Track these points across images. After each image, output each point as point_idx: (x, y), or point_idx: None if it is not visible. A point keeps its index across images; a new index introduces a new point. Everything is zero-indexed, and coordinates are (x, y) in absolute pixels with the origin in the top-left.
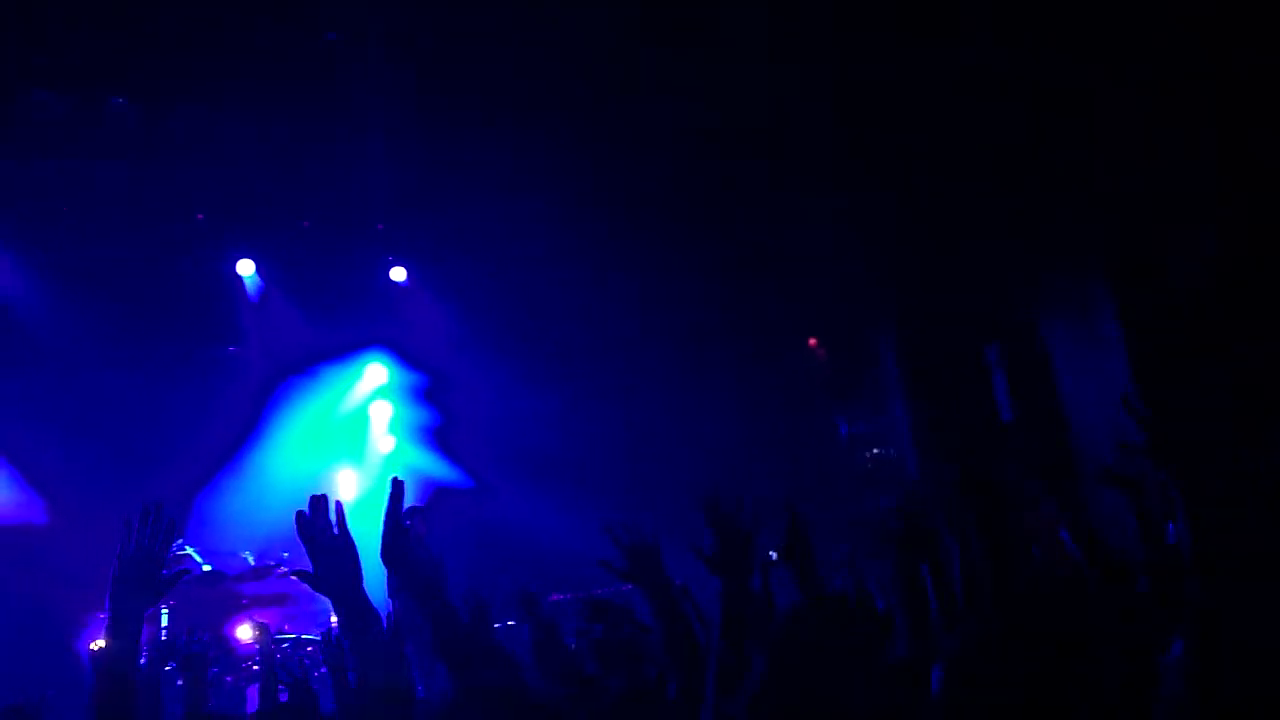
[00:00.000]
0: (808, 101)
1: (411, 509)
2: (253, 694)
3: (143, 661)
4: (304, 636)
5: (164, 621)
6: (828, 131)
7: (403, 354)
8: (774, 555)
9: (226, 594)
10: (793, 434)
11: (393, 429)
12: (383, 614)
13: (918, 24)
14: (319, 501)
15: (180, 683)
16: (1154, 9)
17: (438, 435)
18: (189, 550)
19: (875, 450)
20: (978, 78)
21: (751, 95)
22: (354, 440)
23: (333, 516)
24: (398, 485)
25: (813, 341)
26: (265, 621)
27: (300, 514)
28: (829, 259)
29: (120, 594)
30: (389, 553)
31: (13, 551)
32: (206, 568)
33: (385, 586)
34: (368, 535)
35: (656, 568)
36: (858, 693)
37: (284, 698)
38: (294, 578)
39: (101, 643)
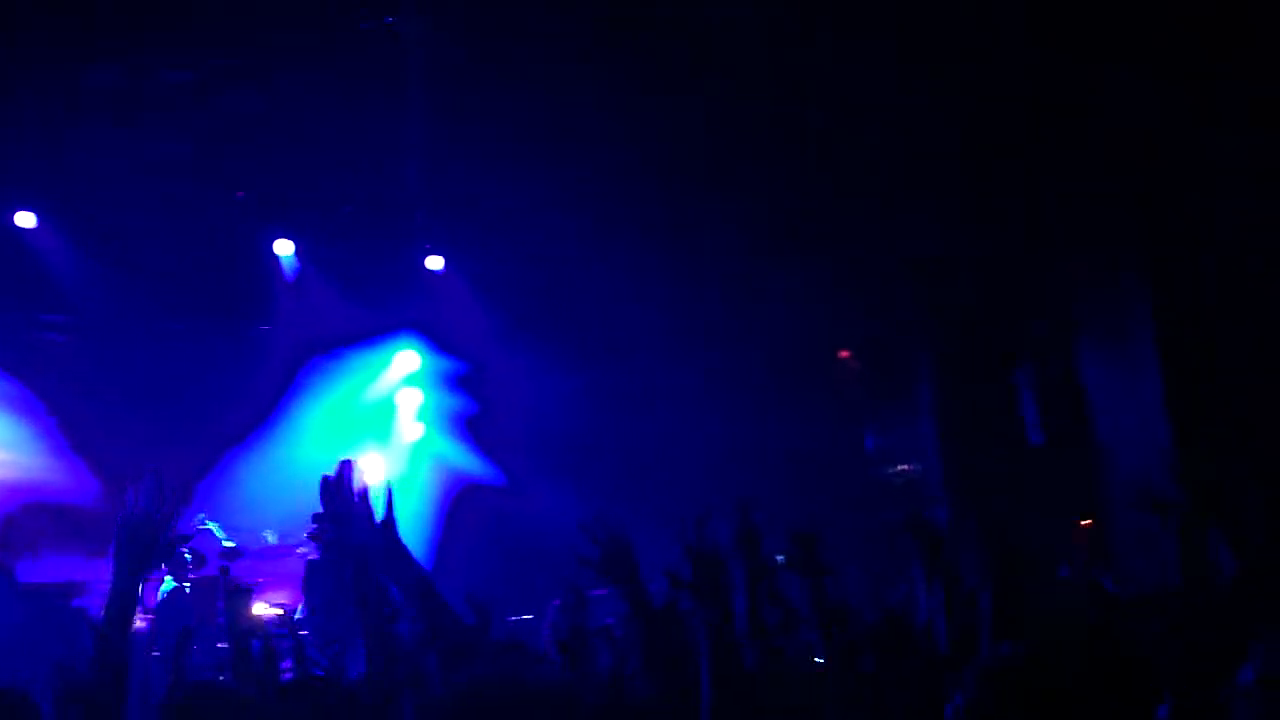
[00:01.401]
0: (849, 109)
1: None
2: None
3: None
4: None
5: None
6: (867, 142)
7: (436, 342)
8: (781, 559)
9: (245, 571)
10: (819, 444)
11: (421, 416)
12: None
13: (952, 34)
14: (345, 467)
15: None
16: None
17: (469, 425)
18: (210, 525)
19: (901, 466)
20: (1013, 87)
21: (790, 97)
22: (381, 425)
23: (356, 484)
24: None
25: (844, 353)
26: (283, 602)
27: (325, 478)
28: (866, 272)
29: (120, 559)
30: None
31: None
32: (228, 544)
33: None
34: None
35: (629, 565)
36: None
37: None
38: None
39: None
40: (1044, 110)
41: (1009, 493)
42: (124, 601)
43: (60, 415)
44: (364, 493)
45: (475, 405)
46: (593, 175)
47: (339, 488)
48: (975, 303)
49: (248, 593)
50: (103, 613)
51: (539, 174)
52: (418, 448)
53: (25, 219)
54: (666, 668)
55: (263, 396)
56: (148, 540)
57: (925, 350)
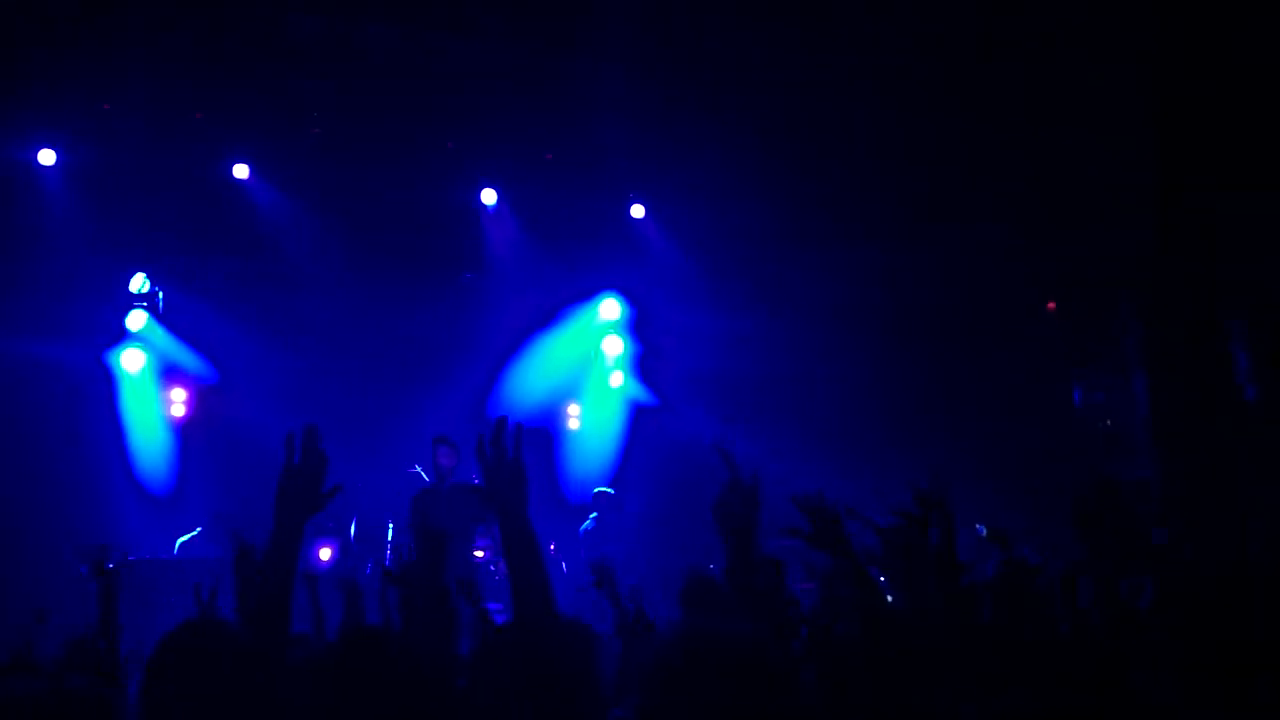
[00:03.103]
0: (1056, 53)
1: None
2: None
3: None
4: None
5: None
6: (1078, 87)
7: (634, 291)
8: (982, 530)
9: None
10: (1024, 399)
11: (619, 364)
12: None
13: None
14: (501, 422)
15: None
16: None
17: (654, 374)
18: (418, 469)
19: (1110, 420)
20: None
21: (994, 52)
22: (584, 373)
23: (511, 438)
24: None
25: (1051, 305)
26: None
27: (481, 435)
28: (1074, 222)
29: (282, 507)
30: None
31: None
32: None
33: None
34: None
35: (839, 535)
36: None
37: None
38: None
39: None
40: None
41: (1220, 449)
42: (283, 550)
43: (274, 363)
44: (519, 444)
45: (667, 356)
46: (787, 125)
47: (494, 441)
48: (1188, 253)
49: (444, 537)
50: (264, 559)
51: (732, 125)
52: (617, 395)
53: (240, 170)
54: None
55: (467, 343)
56: (303, 491)
57: (1135, 302)
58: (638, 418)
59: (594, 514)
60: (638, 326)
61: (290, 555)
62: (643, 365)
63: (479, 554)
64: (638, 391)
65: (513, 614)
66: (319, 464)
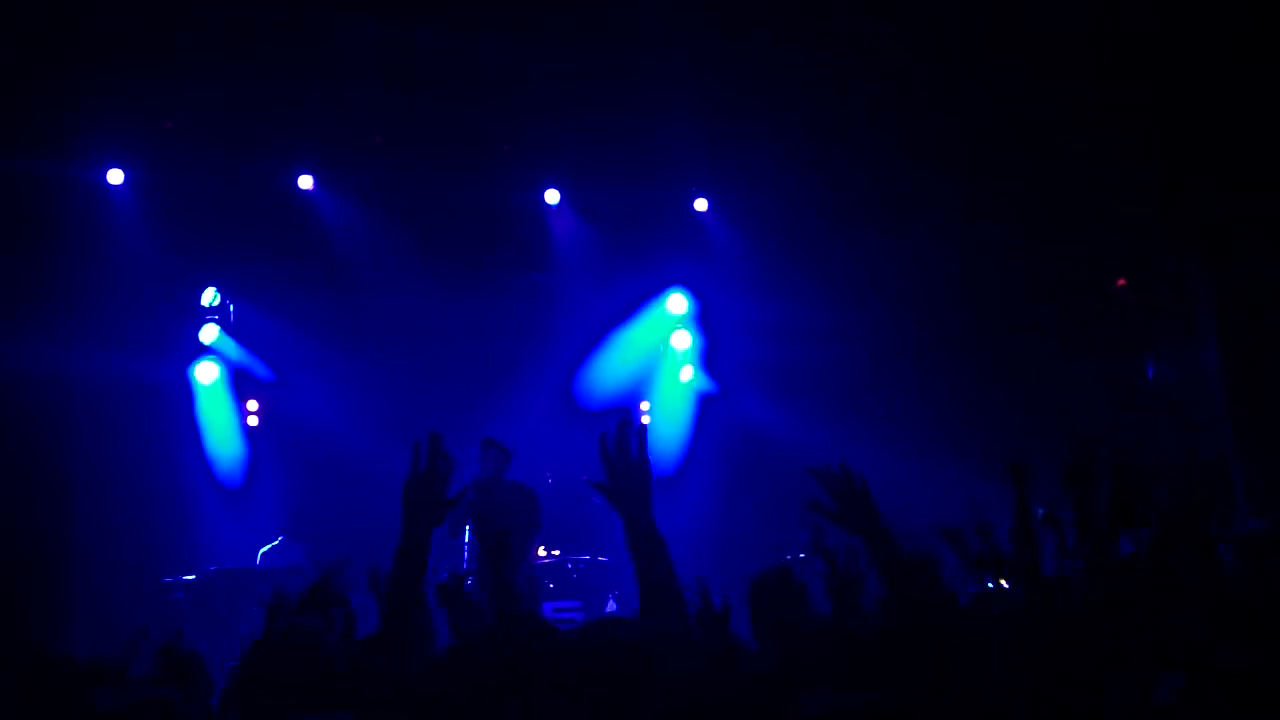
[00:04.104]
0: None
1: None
2: None
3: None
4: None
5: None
6: (1139, 53)
7: (700, 285)
8: (1041, 511)
9: None
10: (1097, 374)
11: (688, 359)
12: None
13: None
14: (625, 420)
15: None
16: None
17: (720, 366)
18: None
19: (1183, 395)
20: None
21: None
22: (655, 368)
23: (634, 438)
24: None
25: (1121, 281)
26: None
27: (604, 433)
28: (1143, 194)
29: (410, 515)
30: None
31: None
32: None
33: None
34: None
35: (867, 510)
36: None
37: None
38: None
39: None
40: None
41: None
42: (412, 558)
43: (344, 370)
44: (643, 443)
45: (734, 346)
46: (845, 114)
47: (618, 439)
48: (1262, 225)
49: (507, 536)
50: (392, 568)
51: (792, 115)
52: (687, 389)
53: (305, 181)
54: (916, 612)
55: (537, 344)
56: (431, 498)
57: (1208, 275)
58: (704, 409)
59: None
60: (704, 319)
61: (420, 564)
62: (709, 357)
63: (541, 553)
64: (705, 384)
65: (641, 613)
66: (446, 470)
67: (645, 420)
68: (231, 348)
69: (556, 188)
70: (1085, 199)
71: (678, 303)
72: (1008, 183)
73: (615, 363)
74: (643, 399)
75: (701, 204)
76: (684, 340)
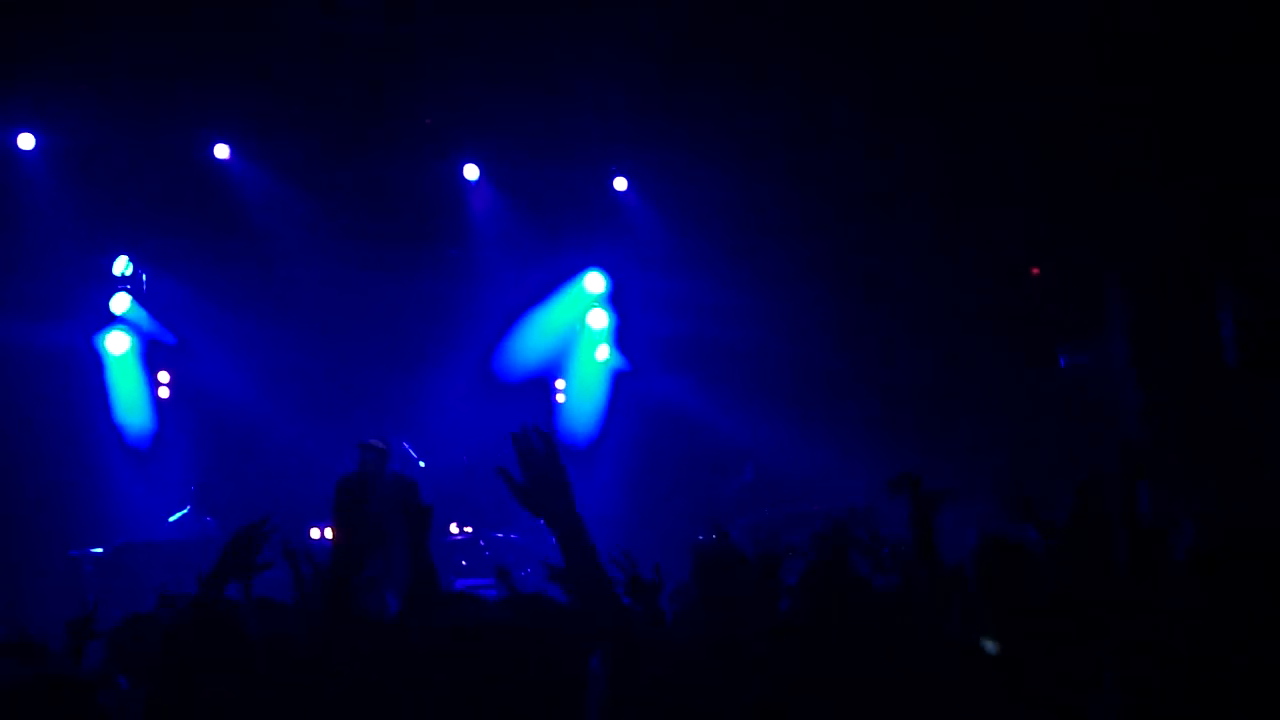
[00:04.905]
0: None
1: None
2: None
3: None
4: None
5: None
6: (1065, 57)
7: (618, 265)
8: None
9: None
10: (1009, 363)
11: (604, 337)
12: None
13: None
14: (527, 433)
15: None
16: None
17: (634, 344)
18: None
19: (1094, 384)
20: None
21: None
22: (569, 347)
23: (542, 445)
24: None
25: (1035, 270)
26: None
27: (515, 434)
28: (1060, 185)
29: (543, 503)
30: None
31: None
32: (421, 464)
33: None
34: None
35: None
36: None
37: None
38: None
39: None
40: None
41: (1204, 414)
42: (578, 541)
43: (258, 343)
44: (553, 447)
45: (650, 327)
46: (767, 99)
47: (529, 446)
48: (1172, 219)
49: (428, 513)
50: (565, 567)
51: (712, 98)
52: (602, 368)
53: (221, 150)
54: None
55: (453, 320)
56: (554, 477)
57: (1119, 267)
58: (618, 386)
59: None
60: (619, 297)
61: (584, 547)
62: (623, 335)
63: (454, 530)
64: (619, 362)
65: (571, 604)
66: (553, 449)
67: (560, 399)
68: (143, 317)
69: (476, 163)
70: (1002, 189)
71: (595, 281)
72: (923, 168)
73: (532, 340)
74: (558, 376)
75: (621, 183)
76: (600, 319)
